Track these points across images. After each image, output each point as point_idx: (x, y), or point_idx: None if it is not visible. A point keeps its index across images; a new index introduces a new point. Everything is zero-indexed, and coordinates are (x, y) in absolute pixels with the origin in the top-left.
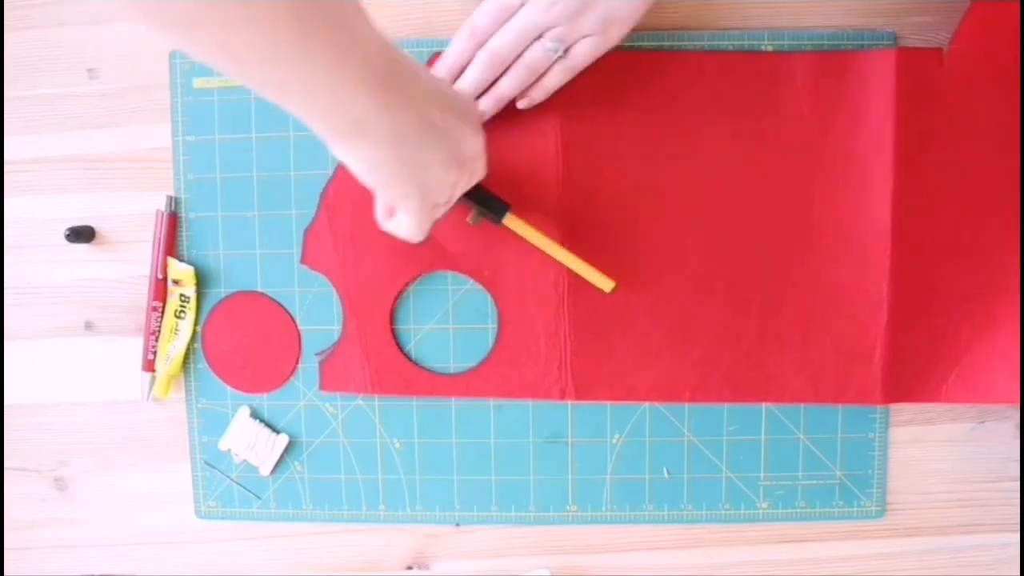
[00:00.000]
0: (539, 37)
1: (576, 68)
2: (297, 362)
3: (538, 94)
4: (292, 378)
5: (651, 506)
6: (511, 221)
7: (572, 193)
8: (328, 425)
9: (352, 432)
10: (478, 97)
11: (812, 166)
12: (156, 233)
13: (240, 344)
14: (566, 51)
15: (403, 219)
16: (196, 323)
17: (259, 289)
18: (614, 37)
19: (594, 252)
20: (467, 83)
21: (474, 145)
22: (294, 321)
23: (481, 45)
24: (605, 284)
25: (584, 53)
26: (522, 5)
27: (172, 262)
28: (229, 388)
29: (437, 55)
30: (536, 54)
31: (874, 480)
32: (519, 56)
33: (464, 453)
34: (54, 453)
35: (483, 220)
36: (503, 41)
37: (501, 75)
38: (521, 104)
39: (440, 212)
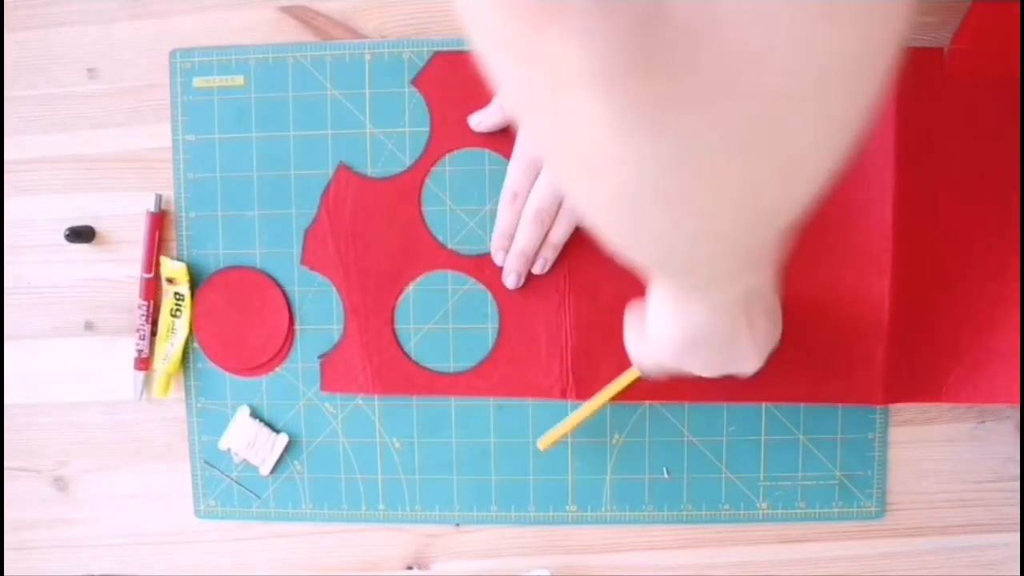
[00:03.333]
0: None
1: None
2: (291, 338)
3: (550, 253)
4: (286, 360)
5: (651, 506)
6: None
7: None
8: (328, 425)
9: (352, 432)
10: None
11: None
12: (145, 232)
13: (232, 320)
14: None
15: (646, 352)
16: (192, 321)
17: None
18: None
19: (591, 253)
20: (522, 243)
21: (748, 369)
22: (285, 296)
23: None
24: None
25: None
26: None
27: (165, 260)
28: (228, 376)
29: (437, 55)
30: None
31: (874, 480)
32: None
33: (464, 453)
34: (54, 453)
35: None
36: (544, 196)
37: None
38: (536, 270)
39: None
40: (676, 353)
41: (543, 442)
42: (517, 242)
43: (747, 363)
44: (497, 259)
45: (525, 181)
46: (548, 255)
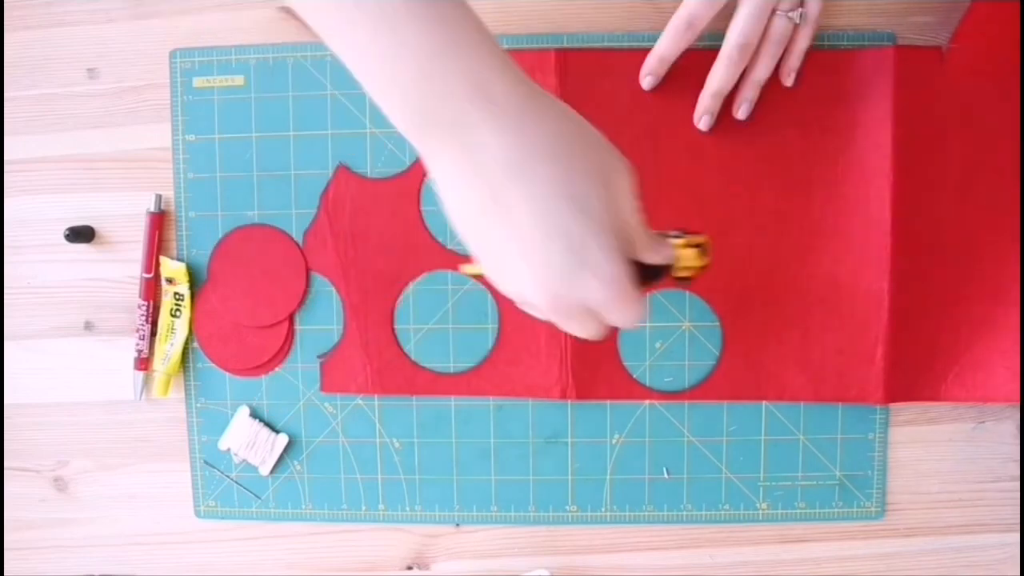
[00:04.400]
0: (774, 11)
1: (815, 24)
2: (291, 338)
3: (795, 62)
4: (286, 360)
5: (651, 506)
6: None
7: None
8: (328, 425)
9: (352, 432)
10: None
11: (812, 165)
12: (145, 232)
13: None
14: (802, 13)
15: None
16: (192, 321)
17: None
18: None
19: None
20: (717, 82)
21: (595, 296)
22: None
23: (699, 37)
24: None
25: (817, 6)
26: None
27: (164, 260)
28: (228, 376)
29: None
30: (780, 27)
31: (874, 480)
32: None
33: (464, 453)
34: (54, 453)
35: None
36: (745, 29)
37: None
38: (788, 81)
39: (535, 314)
40: (465, 235)
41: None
42: (713, 82)
43: (523, 281)
44: (644, 84)
45: (705, 11)
46: (750, 95)
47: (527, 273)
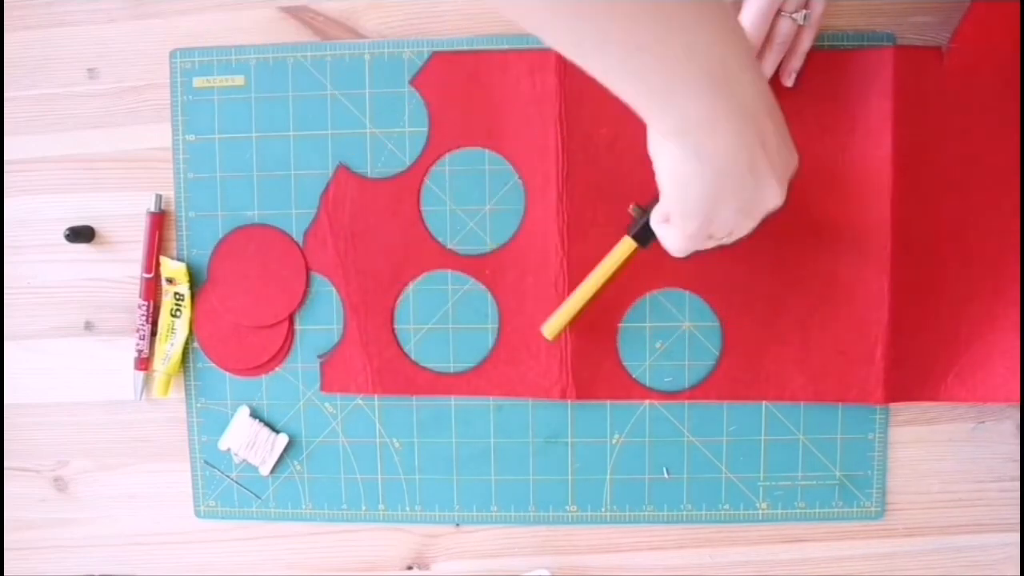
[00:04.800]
0: (778, 13)
1: (819, 25)
2: (291, 338)
3: (797, 63)
4: (286, 360)
5: (651, 506)
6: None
7: (572, 185)
8: (328, 425)
9: (352, 432)
10: None
11: (812, 165)
12: (145, 232)
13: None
14: (806, 15)
15: (672, 234)
16: (192, 321)
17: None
18: None
19: (598, 248)
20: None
21: (774, 202)
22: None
23: None
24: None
25: (821, 7)
26: None
27: (165, 260)
28: (228, 376)
29: (436, 55)
30: (785, 29)
31: (874, 480)
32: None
33: (464, 453)
34: (54, 453)
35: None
36: (750, 30)
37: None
38: (789, 82)
39: (709, 244)
40: (705, 202)
41: (549, 330)
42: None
43: (771, 193)
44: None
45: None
46: (796, 64)
47: (778, 191)
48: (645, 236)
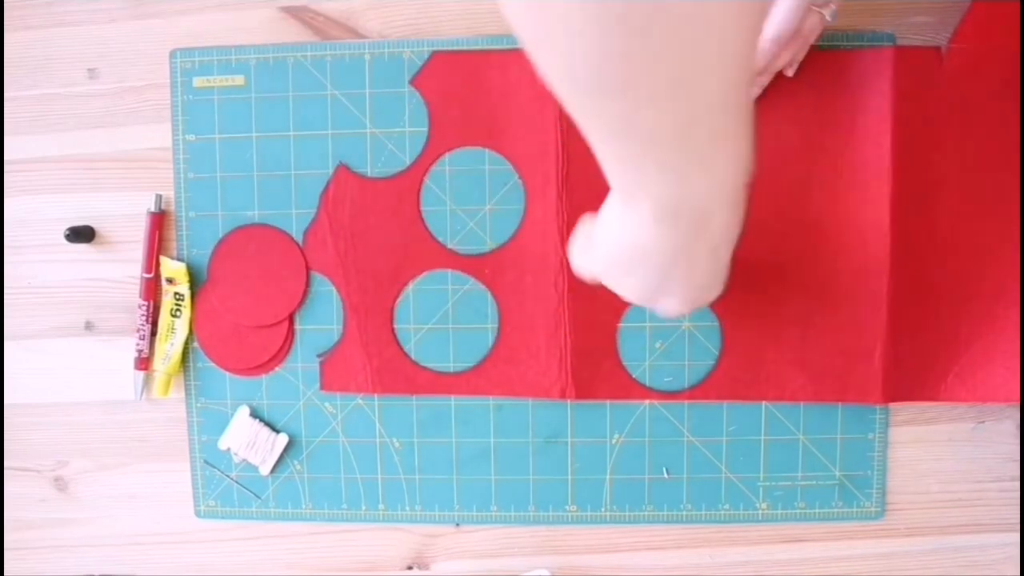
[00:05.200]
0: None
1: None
2: (291, 338)
3: (801, 53)
4: (286, 360)
5: (651, 506)
6: None
7: (572, 185)
8: (328, 424)
9: (352, 431)
10: None
11: (811, 165)
12: (145, 232)
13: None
14: (834, 11)
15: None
16: (192, 321)
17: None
18: None
19: None
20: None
21: (670, 307)
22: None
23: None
24: None
25: (836, 4)
26: None
27: (165, 260)
28: (228, 376)
29: (436, 54)
30: (812, 23)
31: (874, 480)
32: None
33: (464, 453)
34: (54, 453)
35: None
36: (782, 23)
37: None
38: (791, 72)
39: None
40: (615, 263)
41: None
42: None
43: (672, 300)
44: None
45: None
46: (763, 80)
47: (683, 292)
48: None
